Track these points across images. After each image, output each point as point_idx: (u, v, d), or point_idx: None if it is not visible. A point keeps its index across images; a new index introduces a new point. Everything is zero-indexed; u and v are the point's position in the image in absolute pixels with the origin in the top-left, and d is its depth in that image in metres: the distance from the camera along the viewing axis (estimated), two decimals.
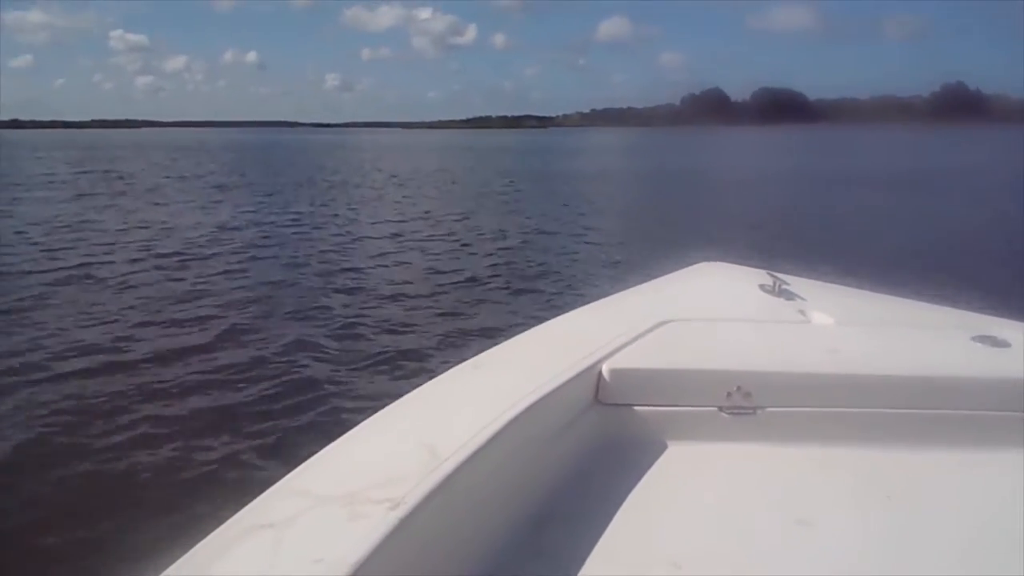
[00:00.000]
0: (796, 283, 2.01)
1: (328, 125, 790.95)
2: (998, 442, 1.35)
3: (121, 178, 26.39)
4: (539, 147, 75.31)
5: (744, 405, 1.37)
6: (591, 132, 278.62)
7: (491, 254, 11.42)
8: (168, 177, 27.38)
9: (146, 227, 13.73)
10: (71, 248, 11.38)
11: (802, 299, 1.90)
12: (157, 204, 18.20)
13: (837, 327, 1.74)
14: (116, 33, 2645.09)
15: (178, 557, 0.79)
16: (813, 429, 1.36)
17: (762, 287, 1.98)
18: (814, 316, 1.79)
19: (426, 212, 17.22)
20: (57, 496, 3.89)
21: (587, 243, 12.67)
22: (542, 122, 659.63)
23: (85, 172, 29.71)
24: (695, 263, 2.35)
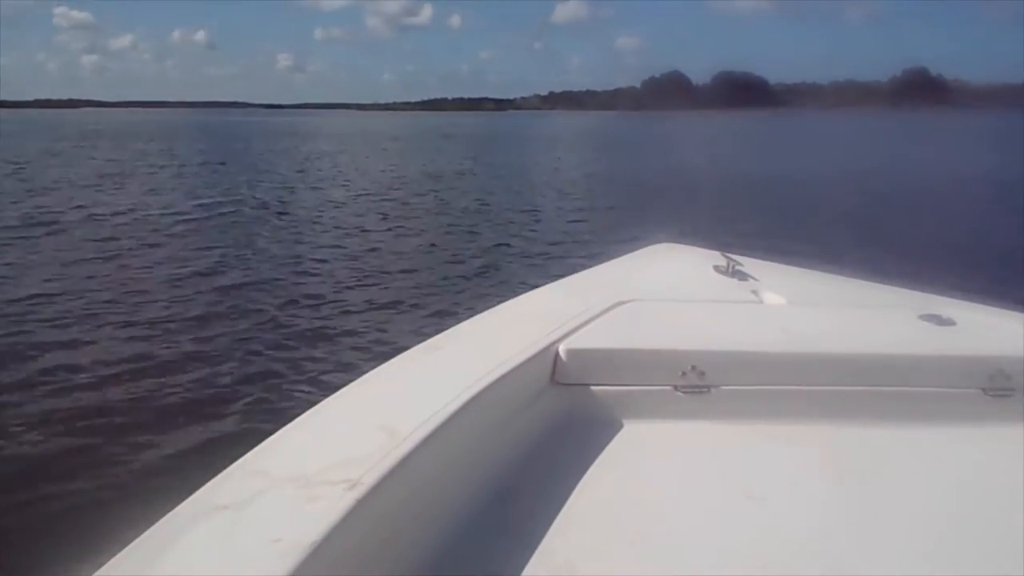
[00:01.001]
0: (749, 264, 2.04)
1: (280, 106, 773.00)
2: (944, 418, 1.38)
3: None
4: (505, 132, 68.55)
5: (698, 384, 1.38)
6: (553, 116, 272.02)
7: (457, 236, 11.30)
8: None
9: None
10: None
11: (755, 279, 1.92)
12: None
13: (789, 307, 1.77)
14: (60, 10, 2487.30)
15: (131, 539, 0.77)
16: (765, 407, 1.39)
17: (716, 268, 2.01)
18: (767, 296, 1.82)
19: (374, 195, 16.43)
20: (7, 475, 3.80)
21: (554, 224, 12.89)
22: (501, 105, 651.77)
23: None
24: (650, 244, 2.36)
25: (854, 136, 57.09)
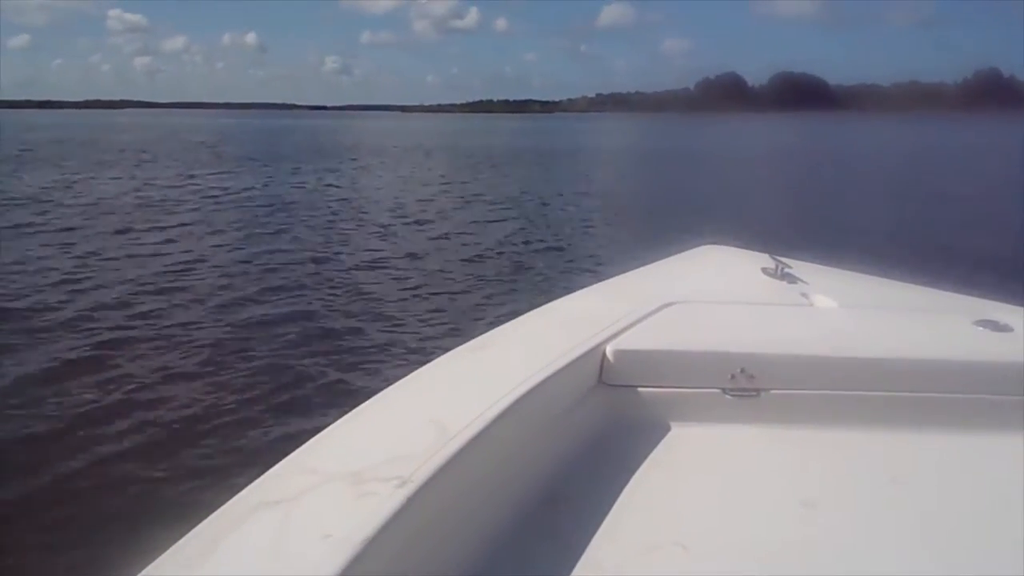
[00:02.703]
0: (798, 267, 2.01)
1: (326, 108, 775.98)
2: (1000, 426, 1.35)
3: None
4: (573, 143, 58.35)
5: (747, 387, 1.37)
6: (604, 119, 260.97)
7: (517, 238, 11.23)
8: None
9: None
10: None
11: (804, 283, 1.90)
12: None
13: (840, 310, 1.74)
14: (114, 12, 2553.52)
15: (185, 533, 0.78)
16: (816, 411, 1.37)
17: (764, 270, 1.98)
18: (817, 299, 1.79)
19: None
20: (62, 469, 3.83)
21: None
22: (547, 107, 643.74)
23: None
24: (698, 246, 2.35)
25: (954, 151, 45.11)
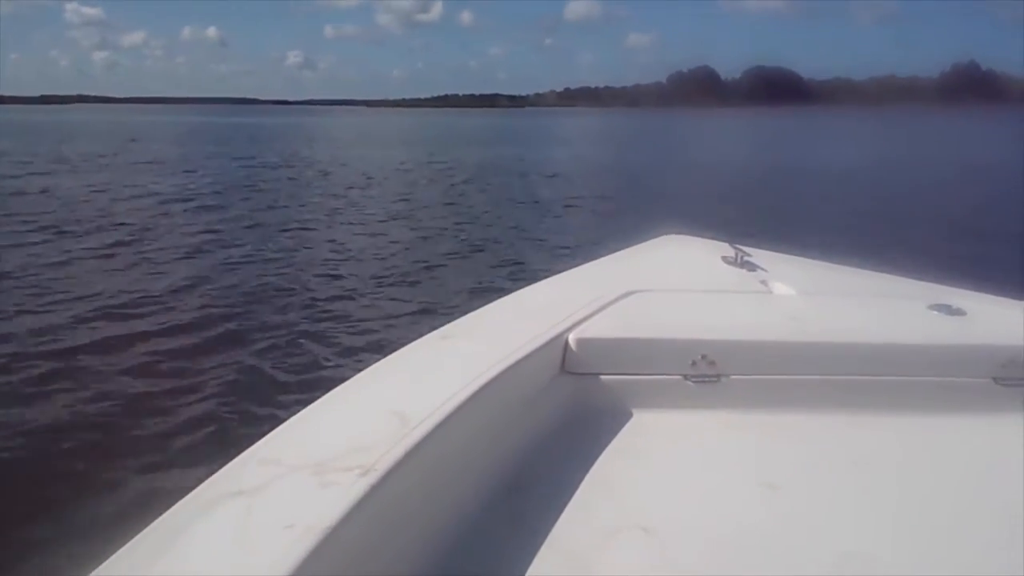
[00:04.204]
0: (758, 255, 2.05)
1: (289, 102, 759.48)
2: (954, 407, 1.40)
3: None
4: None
5: (708, 373, 1.39)
6: (578, 114, 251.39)
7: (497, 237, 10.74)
8: None
9: None
10: None
11: (764, 270, 1.93)
12: None
13: (798, 297, 1.77)
14: (71, 6, 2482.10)
15: (146, 526, 0.78)
16: (775, 396, 1.40)
17: (724, 259, 2.01)
18: (776, 286, 1.82)
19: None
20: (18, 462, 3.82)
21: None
22: (516, 101, 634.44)
23: None
24: (659, 235, 2.37)
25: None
